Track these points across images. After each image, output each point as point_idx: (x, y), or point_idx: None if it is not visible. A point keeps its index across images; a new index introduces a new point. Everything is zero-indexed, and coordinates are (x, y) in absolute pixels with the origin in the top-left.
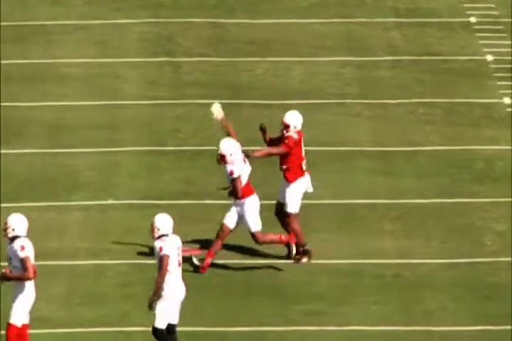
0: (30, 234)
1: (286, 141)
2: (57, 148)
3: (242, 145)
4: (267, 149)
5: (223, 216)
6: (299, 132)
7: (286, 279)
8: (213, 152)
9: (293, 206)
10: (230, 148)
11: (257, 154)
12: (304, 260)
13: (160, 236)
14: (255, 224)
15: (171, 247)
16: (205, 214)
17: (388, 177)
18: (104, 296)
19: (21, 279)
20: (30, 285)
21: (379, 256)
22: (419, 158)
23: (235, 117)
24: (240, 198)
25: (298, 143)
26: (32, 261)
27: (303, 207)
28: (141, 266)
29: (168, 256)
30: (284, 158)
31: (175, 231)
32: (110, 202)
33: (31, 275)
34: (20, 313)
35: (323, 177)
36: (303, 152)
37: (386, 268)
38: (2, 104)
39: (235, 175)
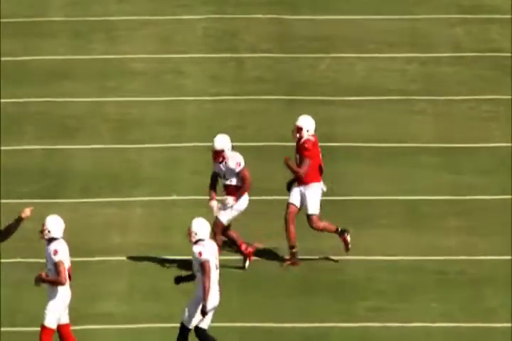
0: (93, 230)
1: (306, 145)
2: (121, 143)
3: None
4: (302, 167)
5: (280, 211)
6: (313, 136)
7: (347, 275)
8: (277, 148)
9: (315, 208)
10: (227, 142)
11: (302, 173)
12: (349, 237)
13: (197, 241)
14: (227, 220)
15: (210, 252)
16: (268, 210)
17: (451, 173)
18: (167, 292)
19: (55, 284)
20: (63, 287)
21: (442, 252)
22: (482, 154)
23: (297, 113)
24: (248, 188)
25: (315, 145)
26: (66, 263)
27: (366, 202)
28: None
29: (208, 261)
30: (302, 161)
31: (238, 226)
32: (174, 197)
33: (64, 280)
34: (52, 315)
35: (386, 174)
36: (320, 154)
37: (449, 265)
38: (67, 99)
39: (242, 165)
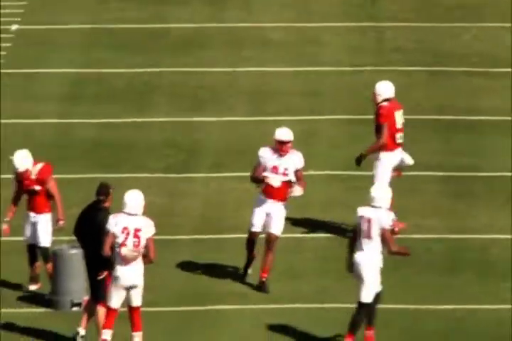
0: (225, 206)
1: (380, 111)
2: (256, 115)
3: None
4: (382, 135)
5: (424, 187)
6: (392, 102)
7: (493, 255)
8: (413, 122)
9: (381, 179)
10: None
11: (382, 142)
12: None
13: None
14: (280, 229)
15: (363, 217)
16: (406, 185)
17: None
18: (303, 271)
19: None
20: (118, 268)
21: None
22: None
23: (439, 86)
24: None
25: (391, 111)
26: (118, 239)
27: None
28: (340, 241)
29: (357, 223)
30: (378, 129)
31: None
32: (311, 172)
33: (104, 251)
34: (110, 295)
35: None
36: (399, 124)
37: None
38: (202, 69)
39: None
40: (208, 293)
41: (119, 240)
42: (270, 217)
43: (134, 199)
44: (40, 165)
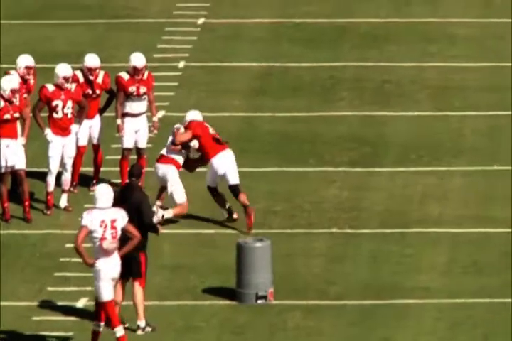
0: (410, 200)
1: None
2: (441, 110)
3: None
4: None
5: None
6: None
7: None
8: None
9: None
10: None
11: None
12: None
13: None
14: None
15: None
16: None
17: None
18: (488, 266)
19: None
20: (101, 259)
21: None
22: None
23: None
24: None
25: None
26: (95, 234)
27: None
28: None
29: None
30: None
31: None
32: (496, 167)
33: (75, 243)
34: (99, 290)
35: None
36: None
37: None
38: (386, 64)
39: None
40: (391, 287)
41: (97, 235)
42: None
43: (102, 193)
44: None
